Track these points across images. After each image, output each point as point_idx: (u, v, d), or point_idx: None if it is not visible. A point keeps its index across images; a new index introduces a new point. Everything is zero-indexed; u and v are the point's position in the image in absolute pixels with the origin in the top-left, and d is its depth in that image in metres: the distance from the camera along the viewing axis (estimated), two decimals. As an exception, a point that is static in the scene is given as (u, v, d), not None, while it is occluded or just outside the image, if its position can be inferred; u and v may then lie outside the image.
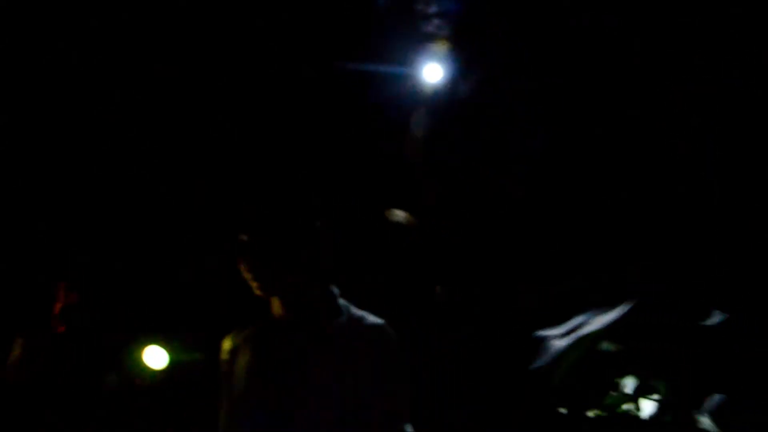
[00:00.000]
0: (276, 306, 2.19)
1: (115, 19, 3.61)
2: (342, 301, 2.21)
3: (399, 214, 3.16)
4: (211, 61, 3.71)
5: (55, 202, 3.71)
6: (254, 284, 2.15)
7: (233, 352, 2.21)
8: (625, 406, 1.02)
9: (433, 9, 3.70)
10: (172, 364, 3.33)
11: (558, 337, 0.88)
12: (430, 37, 3.72)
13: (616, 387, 0.97)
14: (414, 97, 3.78)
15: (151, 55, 3.69)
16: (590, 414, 1.05)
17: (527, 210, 3.38)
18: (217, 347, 2.25)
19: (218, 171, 3.75)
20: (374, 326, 2.17)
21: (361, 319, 2.18)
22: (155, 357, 3.33)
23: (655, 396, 1.02)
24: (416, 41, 3.73)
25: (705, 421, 1.03)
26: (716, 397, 0.82)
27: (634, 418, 0.99)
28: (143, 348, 3.30)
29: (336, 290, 2.22)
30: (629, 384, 1.00)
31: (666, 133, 2.89)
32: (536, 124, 3.47)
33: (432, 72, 3.83)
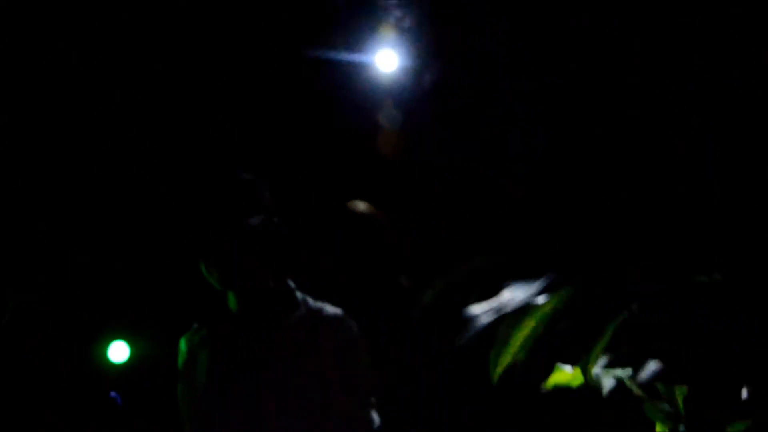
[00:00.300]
0: (233, 301, 2.18)
1: (115, 19, 3.61)
2: (299, 294, 2.20)
3: (361, 206, 3.14)
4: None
5: (55, 202, 3.71)
6: (216, 277, 2.11)
7: (192, 352, 2.20)
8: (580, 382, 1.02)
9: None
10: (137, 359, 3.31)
11: (484, 314, 0.88)
12: (386, 24, 3.65)
13: (576, 359, 0.96)
14: (374, 88, 3.72)
15: (152, 55, 3.69)
16: (547, 387, 1.05)
17: (527, 210, 3.38)
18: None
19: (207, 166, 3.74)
20: (334, 317, 2.16)
21: (319, 311, 2.17)
22: (118, 351, 3.31)
23: (618, 371, 1.01)
24: (372, 27, 3.66)
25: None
26: (651, 365, 0.80)
27: (591, 392, 0.99)
28: (108, 343, 3.29)
29: (292, 283, 2.21)
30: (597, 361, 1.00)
31: (666, 133, 2.89)
32: (536, 124, 3.47)
33: (387, 60, 3.74)
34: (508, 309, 0.92)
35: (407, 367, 2.95)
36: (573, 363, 1.03)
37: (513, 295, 0.92)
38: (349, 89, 3.75)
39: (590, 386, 1.01)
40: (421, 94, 3.73)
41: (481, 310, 0.94)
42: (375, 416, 2.10)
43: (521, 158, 3.49)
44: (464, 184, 3.59)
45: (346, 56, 3.70)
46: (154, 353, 3.35)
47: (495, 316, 0.92)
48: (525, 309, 0.94)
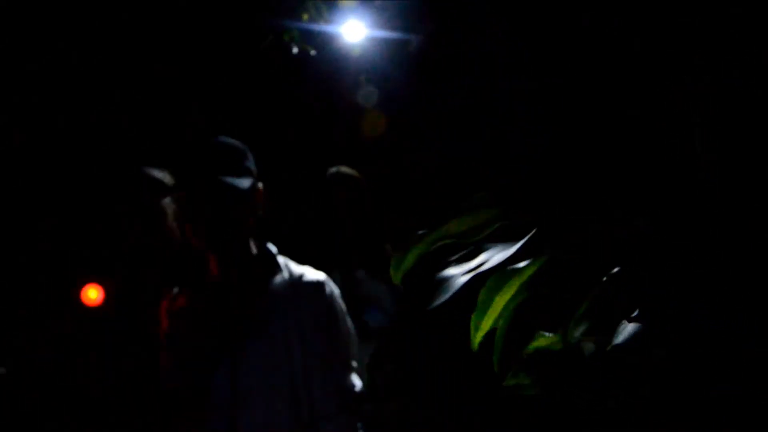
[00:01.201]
0: (213, 264, 2.17)
1: (115, 19, 3.61)
2: (281, 258, 2.20)
3: (346, 170, 3.14)
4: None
5: (55, 202, 3.71)
6: (204, 238, 2.10)
7: (174, 320, 2.18)
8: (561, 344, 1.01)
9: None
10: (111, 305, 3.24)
11: (459, 276, 0.87)
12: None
13: (556, 327, 0.96)
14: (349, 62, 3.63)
15: (152, 55, 3.69)
16: (528, 350, 1.04)
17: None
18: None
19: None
20: (316, 282, 2.17)
21: (301, 276, 2.17)
22: (90, 295, 3.24)
23: (599, 336, 1.01)
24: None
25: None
26: (629, 327, 0.79)
27: (572, 357, 0.98)
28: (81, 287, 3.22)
29: (274, 248, 2.21)
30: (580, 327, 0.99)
31: (666, 132, 2.89)
32: (536, 124, 3.48)
33: (354, 31, 3.53)
34: (484, 270, 0.91)
35: (406, 367, 2.96)
36: (553, 330, 1.02)
37: (489, 257, 0.91)
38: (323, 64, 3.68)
39: (571, 351, 1.00)
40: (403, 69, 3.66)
41: (455, 272, 0.93)
42: (357, 380, 2.11)
43: (521, 158, 3.49)
44: (464, 184, 3.58)
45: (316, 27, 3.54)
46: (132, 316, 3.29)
47: (469, 278, 0.92)
48: (506, 274, 0.94)
